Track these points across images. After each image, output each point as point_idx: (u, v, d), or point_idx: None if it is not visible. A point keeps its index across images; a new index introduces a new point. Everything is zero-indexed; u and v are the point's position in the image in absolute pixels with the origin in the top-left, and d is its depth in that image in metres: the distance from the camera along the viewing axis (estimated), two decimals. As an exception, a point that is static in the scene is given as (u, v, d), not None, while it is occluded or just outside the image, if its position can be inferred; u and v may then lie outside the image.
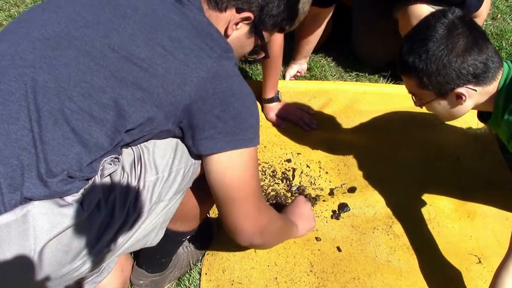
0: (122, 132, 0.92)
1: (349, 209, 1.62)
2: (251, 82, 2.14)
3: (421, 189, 1.68)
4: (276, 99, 1.96)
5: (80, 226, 0.88)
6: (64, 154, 0.87)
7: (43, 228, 0.84)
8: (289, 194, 1.68)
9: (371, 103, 2.07)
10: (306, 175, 1.75)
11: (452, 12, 1.24)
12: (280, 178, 1.74)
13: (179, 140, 1.03)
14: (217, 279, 1.40)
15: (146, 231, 1.02)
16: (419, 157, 1.80)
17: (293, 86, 2.14)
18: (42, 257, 0.85)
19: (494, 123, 1.36)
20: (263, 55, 1.19)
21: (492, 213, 1.61)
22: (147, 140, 1.00)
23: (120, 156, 0.95)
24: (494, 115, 1.33)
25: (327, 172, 1.76)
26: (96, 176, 0.92)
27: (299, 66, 2.21)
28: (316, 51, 2.27)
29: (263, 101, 1.96)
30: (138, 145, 0.99)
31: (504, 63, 1.30)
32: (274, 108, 1.97)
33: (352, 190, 1.69)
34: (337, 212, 1.61)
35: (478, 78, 1.25)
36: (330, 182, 1.73)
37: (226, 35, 1.06)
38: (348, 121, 1.99)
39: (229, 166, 0.99)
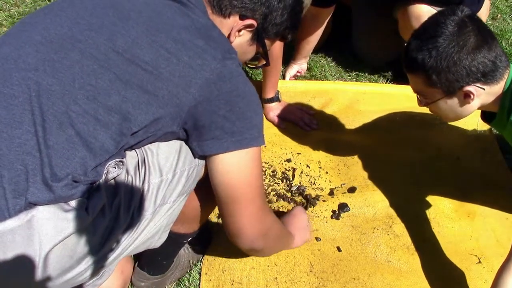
0: (128, 135, 0.92)
1: (349, 209, 1.62)
2: (251, 82, 2.13)
3: (421, 189, 1.68)
4: (276, 99, 1.95)
5: (85, 231, 0.88)
6: (69, 158, 0.86)
7: (48, 233, 0.83)
8: (289, 194, 1.68)
9: (371, 103, 2.06)
10: (306, 175, 1.75)
11: (461, 10, 1.22)
12: (280, 178, 1.74)
13: (182, 142, 1.03)
14: (217, 279, 1.40)
15: (150, 234, 1.01)
16: (419, 157, 1.80)
17: (293, 86, 2.14)
18: (47, 262, 0.84)
19: (499, 124, 1.35)
20: (264, 62, 1.19)
21: (492, 213, 1.61)
22: (150, 142, 0.99)
23: (124, 159, 0.95)
24: (499, 116, 1.32)
25: (327, 172, 1.76)
26: (101, 180, 0.91)
27: (299, 66, 2.21)
28: (316, 51, 2.27)
29: (263, 101, 1.95)
30: (142, 148, 0.99)
31: (511, 64, 1.28)
32: (274, 108, 1.97)
33: (352, 190, 1.69)
34: (337, 212, 1.61)
35: (487, 77, 1.23)
36: (330, 182, 1.73)
37: (229, 41, 1.06)
38: (348, 121, 1.99)
39: (235, 166, 0.99)
